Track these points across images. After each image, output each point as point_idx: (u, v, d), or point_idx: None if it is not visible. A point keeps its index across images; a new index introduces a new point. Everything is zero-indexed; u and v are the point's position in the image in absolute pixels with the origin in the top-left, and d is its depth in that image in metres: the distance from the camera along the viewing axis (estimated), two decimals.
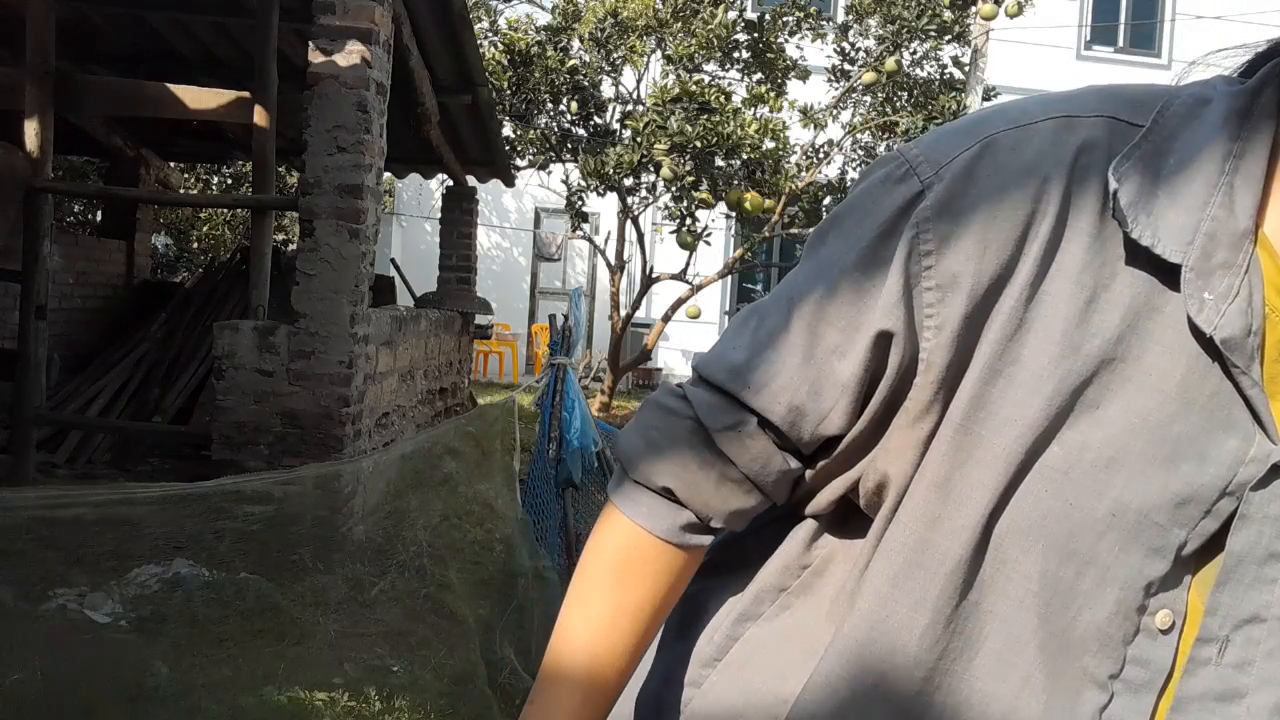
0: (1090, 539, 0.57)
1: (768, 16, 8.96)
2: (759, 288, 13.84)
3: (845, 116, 10.06)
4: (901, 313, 0.62)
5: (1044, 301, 0.58)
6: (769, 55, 8.96)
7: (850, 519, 0.74)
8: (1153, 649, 0.58)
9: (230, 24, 5.73)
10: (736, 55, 9.06)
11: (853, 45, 9.56)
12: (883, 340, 0.63)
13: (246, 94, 4.92)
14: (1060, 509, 0.58)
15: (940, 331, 0.61)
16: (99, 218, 8.95)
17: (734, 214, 9.49)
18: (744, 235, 11.82)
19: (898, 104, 9.81)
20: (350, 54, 4.31)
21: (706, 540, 0.76)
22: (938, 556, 0.62)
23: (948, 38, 9.66)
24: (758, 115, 8.51)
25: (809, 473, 0.74)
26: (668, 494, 0.74)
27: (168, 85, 5.06)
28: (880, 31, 9.34)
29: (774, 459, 0.71)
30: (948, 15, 9.38)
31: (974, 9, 9.40)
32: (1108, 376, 0.57)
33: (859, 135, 10.15)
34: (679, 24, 8.69)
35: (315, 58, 4.32)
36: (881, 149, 10.04)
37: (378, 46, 4.40)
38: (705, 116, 8.01)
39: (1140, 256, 0.57)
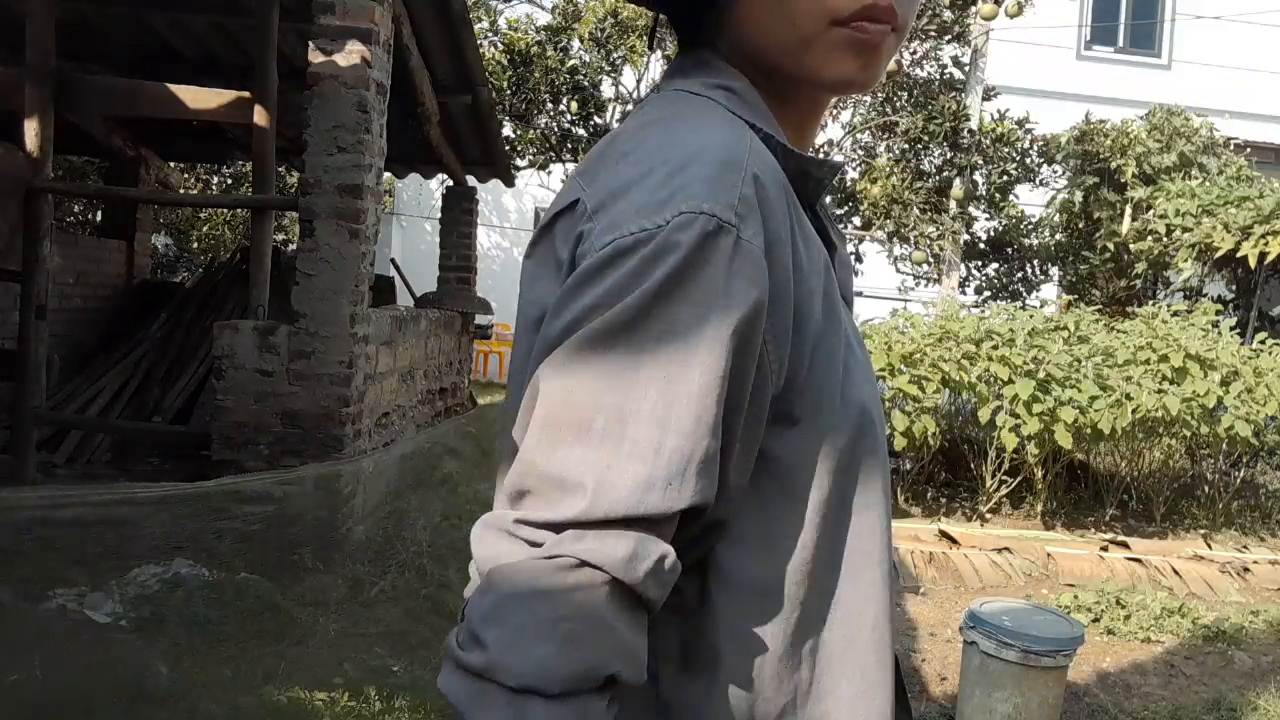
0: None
1: None
2: None
3: (845, 116, 10.05)
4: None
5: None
6: None
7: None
8: None
9: (230, 24, 5.73)
10: None
11: None
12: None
13: (246, 94, 4.92)
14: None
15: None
16: (99, 218, 8.95)
17: None
18: None
19: (898, 104, 9.81)
20: (350, 54, 4.31)
21: None
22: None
23: (948, 38, 9.66)
24: None
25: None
26: (610, 683, 0.61)
27: (168, 85, 5.06)
28: None
29: (677, 568, 0.65)
30: (948, 15, 9.38)
31: (974, 9, 9.39)
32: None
33: (859, 135, 10.15)
34: None
35: (315, 58, 4.32)
36: (881, 149, 10.04)
37: (378, 46, 4.40)
38: None
39: None
